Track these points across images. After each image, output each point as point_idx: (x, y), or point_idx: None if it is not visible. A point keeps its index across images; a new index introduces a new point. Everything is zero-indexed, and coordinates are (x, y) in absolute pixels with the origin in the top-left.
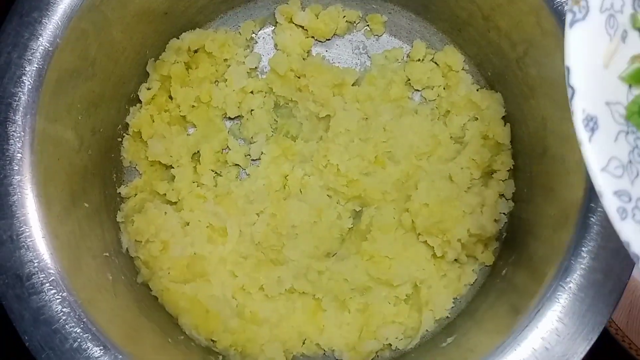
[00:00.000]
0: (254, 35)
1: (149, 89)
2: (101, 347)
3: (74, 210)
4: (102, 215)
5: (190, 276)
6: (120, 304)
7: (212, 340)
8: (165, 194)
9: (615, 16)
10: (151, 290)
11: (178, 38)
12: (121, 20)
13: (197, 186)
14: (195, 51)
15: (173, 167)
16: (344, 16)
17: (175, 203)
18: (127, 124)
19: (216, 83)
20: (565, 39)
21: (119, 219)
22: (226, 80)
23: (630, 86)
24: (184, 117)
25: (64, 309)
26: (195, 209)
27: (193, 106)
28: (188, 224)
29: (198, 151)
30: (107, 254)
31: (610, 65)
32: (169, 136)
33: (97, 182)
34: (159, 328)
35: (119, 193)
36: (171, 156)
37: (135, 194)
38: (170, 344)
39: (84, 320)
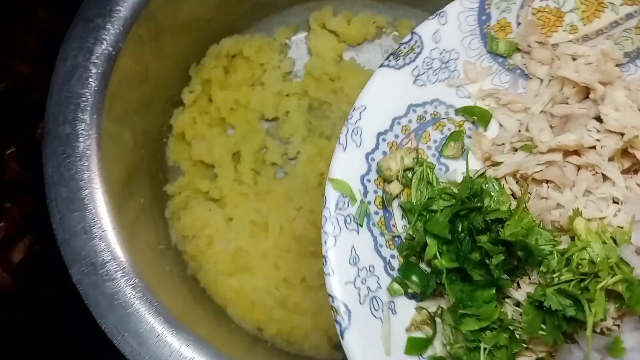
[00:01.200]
0: (288, 40)
1: (191, 92)
2: (173, 330)
3: (133, 204)
4: (154, 212)
5: (235, 269)
6: (178, 294)
7: (259, 329)
8: (208, 192)
9: (376, 297)
10: (199, 283)
11: (218, 44)
12: (171, 27)
13: (239, 184)
14: (234, 56)
15: (214, 167)
16: (374, 22)
17: (218, 200)
18: (171, 126)
19: (253, 86)
20: (344, 346)
21: (167, 215)
22: (263, 83)
23: (419, 356)
24: (223, 119)
25: (137, 294)
26: (238, 205)
27: (232, 108)
28: (231, 219)
29: (238, 151)
30: (162, 247)
31: (392, 349)
32: (210, 137)
33: (147, 180)
34: (212, 317)
35: (165, 191)
36: (213, 156)
37: (180, 192)
38: (225, 330)
39: (155, 304)
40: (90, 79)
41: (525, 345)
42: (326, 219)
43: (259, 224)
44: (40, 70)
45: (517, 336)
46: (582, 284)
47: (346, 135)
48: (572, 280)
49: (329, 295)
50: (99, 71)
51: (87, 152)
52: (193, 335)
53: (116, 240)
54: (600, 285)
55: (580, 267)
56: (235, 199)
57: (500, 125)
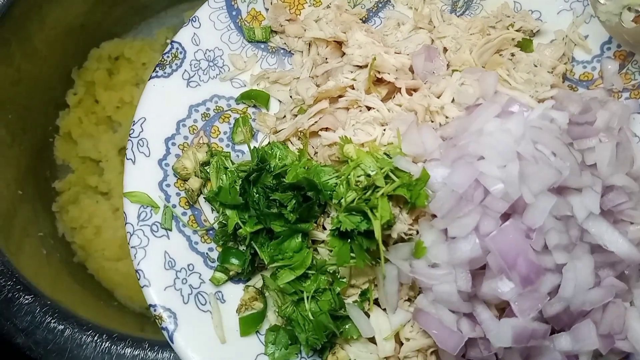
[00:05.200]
0: (168, 40)
1: (75, 94)
2: (32, 296)
3: (7, 194)
4: (37, 204)
5: (122, 254)
6: (54, 273)
7: (146, 308)
8: (97, 186)
9: (201, 292)
10: (88, 269)
11: (98, 47)
12: (41, 32)
13: None
14: (116, 58)
15: (102, 162)
16: None
17: (107, 193)
18: (57, 127)
19: (137, 85)
20: (174, 349)
21: (54, 209)
22: (146, 81)
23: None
24: (109, 117)
25: None
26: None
27: (118, 107)
28: (118, 209)
29: (124, 146)
30: (42, 234)
31: (227, 336)
32: (97, 135)
33: (31, 176)
34: (92, 295)
35: (54, 187)
36: (100, 152)
37: (69, 188)
38: (103, 306)
39: (16, 275)
40: None
41: (346, 282)
42: (130, 234)
43: None
44: None
45: (337, 276)
46: (365, 197)
47: (132, 149)
48: (355, 199)
49: (149, 305)
50: None
51: None
52: (52, 300)
53: None
54: (380, 193)
55: (359, 183)
56: (121, 190)
57: (279, 101)
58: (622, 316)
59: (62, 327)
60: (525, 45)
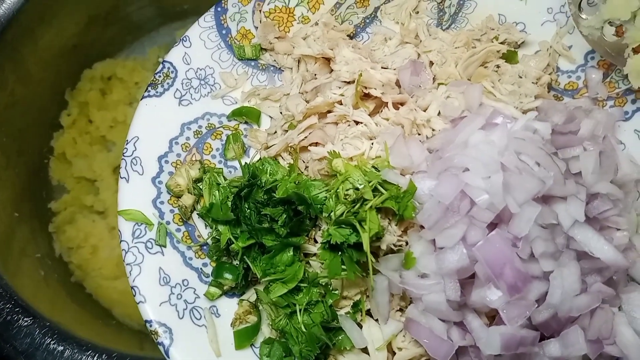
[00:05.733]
0: (160, 59)
1: (69, 115)
2: (31, 318)
3: (4, 216)
4: (34, 225)
5: (120, 273)
6: (52, 293)
7: (144, 325)
8: (92, 206)
9: (196, 307)
10: (85, 289)
11: (91, 68)
12: (34, 55)
13: None
14: (109, 78)
15: (97, 181)
16: None
17: (102, 212)
18: (52, 148)
19: (130, 104)
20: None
21: (51, 230)
22: (139, 100)
23: (252, 346)
24: (103, 136)
25: None
26: None
27: (111, 126)
28: (114, 228)
29: (119, 165)
30: (39, 255)
31: (222, 349)
32: (92, 155)
33: (27, 197)
34: (90, 314)
35: (50, 208)
36: (94, 171)
37: (65, 208)
38: (101, 325)
39: (15, 297)
40: None
41: (338, 294)
42: (125, 251)
43: None
44: None
45: (329, 288)
46: (354, 210)
47: (125, 167)
48: (344, 212)
49: (145, 321)
50: None
51: None
52: (51, 321)
53: None
54: (368, 205)
55: (347, 197)
56: (117, 209)
57: (270, 117)
58: (610, 321)
59: (62, 348)
60: (510, 56)
